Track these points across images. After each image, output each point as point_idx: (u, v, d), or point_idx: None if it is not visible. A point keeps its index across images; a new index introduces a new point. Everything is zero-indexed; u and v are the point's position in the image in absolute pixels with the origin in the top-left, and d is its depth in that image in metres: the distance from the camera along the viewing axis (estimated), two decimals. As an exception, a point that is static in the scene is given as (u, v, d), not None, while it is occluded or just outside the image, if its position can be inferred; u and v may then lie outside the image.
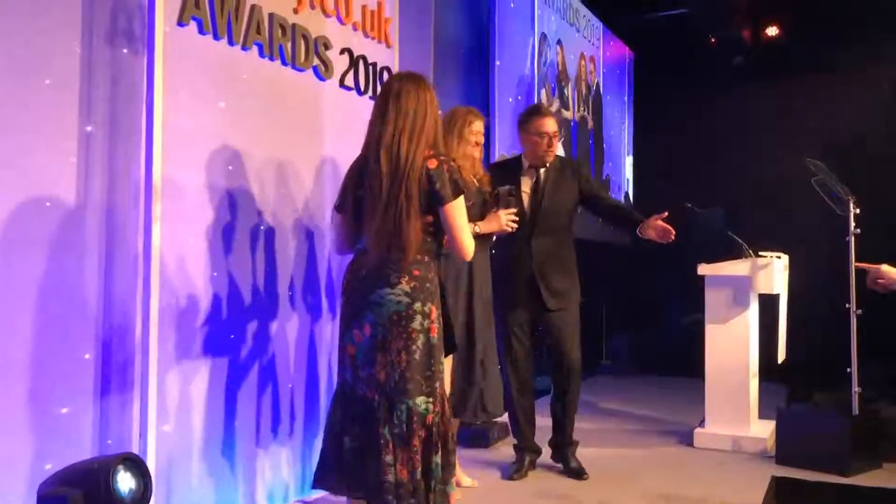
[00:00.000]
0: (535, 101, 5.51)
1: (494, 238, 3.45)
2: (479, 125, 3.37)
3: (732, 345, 4.19)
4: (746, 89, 7.09)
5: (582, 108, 6.57)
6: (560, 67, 6.15)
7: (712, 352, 4.24)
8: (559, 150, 5.96)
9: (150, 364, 2.53)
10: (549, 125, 3.66)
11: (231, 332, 2.89)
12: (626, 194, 7.71)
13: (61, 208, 2.46)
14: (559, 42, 6.15)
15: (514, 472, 3.61)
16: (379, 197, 2.40)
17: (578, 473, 3.62)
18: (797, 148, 5.88)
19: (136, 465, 2.13)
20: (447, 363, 3.10)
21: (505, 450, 3.99)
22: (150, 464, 2.50)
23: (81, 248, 2.52)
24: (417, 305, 2.39)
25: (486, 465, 3.81)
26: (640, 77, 7.80)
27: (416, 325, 2.39)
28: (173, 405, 2.69)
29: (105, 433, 2.59)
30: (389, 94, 2.46)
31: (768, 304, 4.38)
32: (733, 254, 4.27)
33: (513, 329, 3.66)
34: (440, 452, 2.38)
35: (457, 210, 2.42)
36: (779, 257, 4.18)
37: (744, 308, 4.17)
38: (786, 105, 6.81)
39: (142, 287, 2.56)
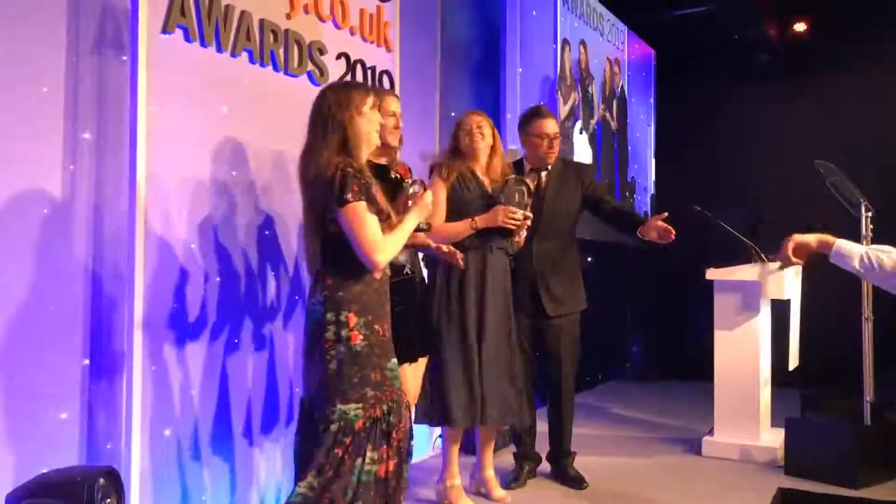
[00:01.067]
0: (559, 106, 5.48)
1: (515, 239, 3.29)
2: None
3: (742, 351, 4.09)
4: (771, 88, 6.92)
5: (605, 111, 6.51)
6: (583, 67, 6.09)
7: (721, 358, 4.15)
8: (585, 152, 5.94)
9: (135, 368, 2.55)
10: (550, 126, 3.60)
11: (224, 333, 2.91)
12: (653, 196, 7.61)
13: (50, 214, 2.50)
14: (582, 43, 6.09)
15: (511, 480, 3.57)
16: (303, 207, 2.46)
17: (577, 482, 3.57)
18: (823, 148, 5.74)
19: (114, 478, 2.14)
20: (420, 366, 3.09)
21: (508, 458, 3.94)
22: (136, 468, 2.53)
23: (71, 253, 2.55)
24: (330, 315, 2.36)
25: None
26: (662, 76, 7.67)
27: (329, 334, 2.35)
28: (164, 408, 2.70)
29: (93, 438, 2.62)
30: (312, 107, 2.47)
31: (783, 309, 4.27)
32: (744, 258, 4.17)
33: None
34: (391, 458, 2.35)
35: (349, 215, 2.31)
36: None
37: (754, 314, 4.07)
38: (811, 104, 6.63)
39: (128, 291, 2.57)
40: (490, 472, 3.38)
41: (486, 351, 3.15)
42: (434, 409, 3.14)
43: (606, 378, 6.66)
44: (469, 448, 3.65)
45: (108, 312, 2.66)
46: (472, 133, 3.25)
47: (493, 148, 3.31)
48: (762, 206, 6.42)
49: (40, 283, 2.48)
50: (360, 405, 2.34)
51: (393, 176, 3.01)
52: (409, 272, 2.97)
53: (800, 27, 7.08)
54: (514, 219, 3.15)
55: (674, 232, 3.35)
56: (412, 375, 3.02)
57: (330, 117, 2.39)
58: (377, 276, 2.46)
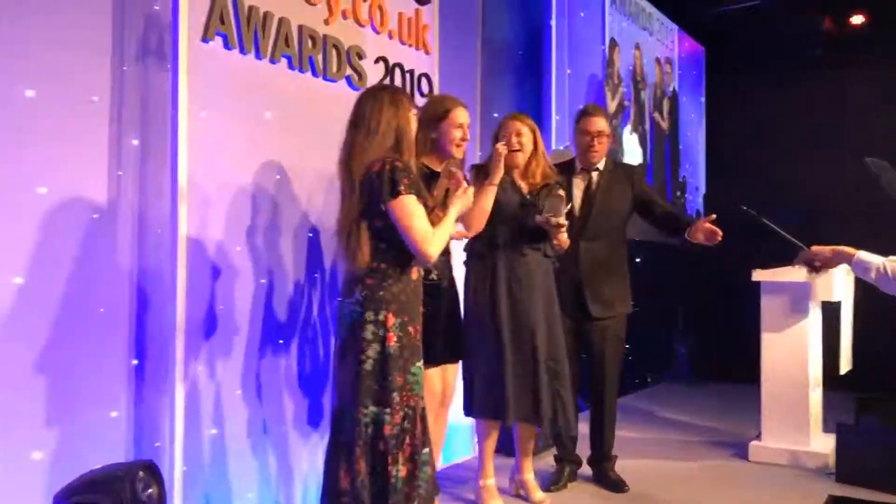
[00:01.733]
0: (606, 102, 5.45)
1: (554, 242, 3.21)
2: (514, 126, 3.24)
3: (790, 354, 3.98)
4: (826, 82, 6.72)
5: (657, 113, 6.43)
6: (637, 72, 6.03)
7: (769, 361, 4.05)
8: (635, 152, 5.87)
9: (177, 369, 2.61)
10: (593, 124, 3.56)
11: (267, 334, 2.96)
12: (705, 195, 7.49)
13: (99, 218, 2.58)
14: (637, 47, 6.04)
15: (552, 483, 3.55)
16: (341, 208, 2.48)
17: (617, 486, 3.53)
18: (882, 144, 5.57)
19: (153, 471, 2.20)
20: (453, 368, 3.10)
21: (550, 460, 3.91)
22: (179, 466, 2.60)
23: (117, 256, 2.63)
24: (369, 314, 2.38)
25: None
26: (713, 73, 7.53)
27: (367, 334, 2.37)
28: (210, 407, 2.77)
29: (140, 436, 2.70)
30: (357, 106, 2.52)
31: (836, 311, 4.15)
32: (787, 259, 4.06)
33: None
34: (404, 464, 2.35)
35: (400, 208, 2.35)
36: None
37: (802, 316, 3.97)
38: (867, 99, 6.42)
39: (170, 294, 2.64)
40: (529, 475, 3.36)
41: (521, 352, 3.14)
42: (486, 403, 3.14)
43: (656, 381, 6.57)
44: (509, 450, 3.63)
45: (156, 314, 2.72)
46: (510, 139, 3.22)
47: (533, 152, 3.27)
48: (819, 204, 6.24)
49: (90, 285, 2.56)
50: (389, 409, 2.35)
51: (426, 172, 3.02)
52: (437, 277, 2.98)
53: (857, 19, 6.87)
54: (544, 224, 3.09)
55: (720, 234, 3.29)
56: (437, 379, 3.02)
57: (384, 120, 2.42)
58: (414, 276, 2.48)
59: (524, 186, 3.27)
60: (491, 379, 3.11)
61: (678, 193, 7.01)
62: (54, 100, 2.47)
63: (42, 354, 2.43)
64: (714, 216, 3.34)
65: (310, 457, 3.14)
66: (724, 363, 6.39)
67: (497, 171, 2.99)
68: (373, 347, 2.38)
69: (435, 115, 2.99)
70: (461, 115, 3.00)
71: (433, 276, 2.97)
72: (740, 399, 5.34)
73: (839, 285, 3.91)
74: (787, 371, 3.99)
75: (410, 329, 2.43)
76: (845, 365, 4.02)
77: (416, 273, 2.51)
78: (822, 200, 6.26)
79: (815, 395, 4.05)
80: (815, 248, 2.36)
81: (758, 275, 4.04)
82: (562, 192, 3.22)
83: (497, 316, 3.14)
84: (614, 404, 3.66)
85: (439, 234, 2.44)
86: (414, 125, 2.53)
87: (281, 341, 3.04)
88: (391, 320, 2.38)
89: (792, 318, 3.99)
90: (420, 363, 2.47)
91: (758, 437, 4.11)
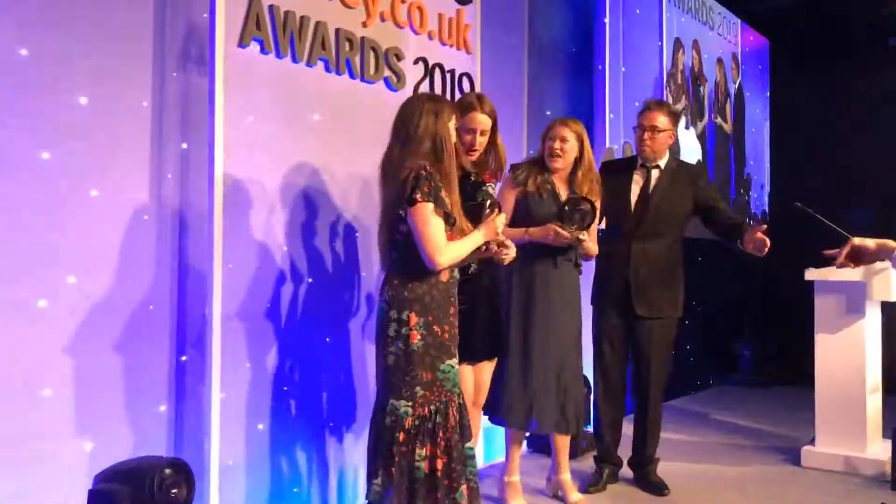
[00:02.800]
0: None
1: (580, 252, 3.21)
2: (559, 132, 3.19)
3: (845, 357, 3.84)
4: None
5: (718, 113, 6.28)
6: (695, 69, 5.91)
7: (823, 364, 3.91)
8: (693, 150, 5.75)
9: (214, 365, 2.70)
10: (647, 118, 3.51)
11: (309, 331, 3.04)
12: (770, 193, 7.27)
13: (150, 219, 2.72)
14: (694, 43, 5.92)
15: (591, 484, 3.52)
16: (381, 208, 2.58)
17: (659, 489, 3.47)
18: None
19: (184, 469, 2.28)
20: (487, 367, 3.10)
21: (592, 461, 3.87)
22: (215, 460, 2.69)
23: (167, 255, 2.76)
24: (393, 313, 2.49)
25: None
26: (778, 67, 7.29)
27: (390, 331, 2.49)
28: (253, 402, 2.86)
29: (182, 431, 2.81)
30: (399, 114, 2.58)
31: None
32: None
33: (605, 334, 3.55)
34: (433, 458, 2.42)
35: (417, 215, 2.42)
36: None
37: (858, 316, 3.82)
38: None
39: (209, 292, 2.74)
40: (566, 476, 3.34)
41: (546, 358, 3.14)
42: (492, 404, 3.16)
43: (718, 383, 6.41)
44: (548, 449, 3.61)
45: (198, 312, 2.82)
46: (552, 146, 3.19)
47: (578, 159, 3.21)
48: (887, 201, 5.97)
49: (140, 284, 2.69)
50: (410, 403, 2.44)
51: (472, 179, 3.04)
52: (475, 270, 2.99)
53: (934, 7, 6.53)
54: (561, 236, 3.05)
55: (768, 244, 3.18)
56: (475, 376, 3.04)
57: (423, 127, 2.49)
58: (444, 278, 2.52)
59: (564, 193, 3.23)
60: (515, 384, 3.15)
61: (742, 191, 6.82)
62: (105, 106, 2.60)
63: (96, 351, 2.56)
64: (765, 226, 3.23)
65: (352, 451, 3.21)
66: (787, 365, 6.19)
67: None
68: (396, 344, 2.49)
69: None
70: (474, 120, 2.98)
71: (472, 269, 2.98)
72: (800, 402, 5.16)
73: (898, 285, 3.75)
74: (842, 374, 3.84)
75: (436, 328, 2.50)
76: (905, 368, 3.85)
77: (445, 275, 2.55)
78: (894, 200, 5.99)
79: (873, 399, 3.89)
80: (857, 240, 2.21)
81: (811, 274, 3.90)
82: (586, 206, 3.10)
83: (528, 325, 3.17)
84: (659, 406, 3.60)
85: (454, 248, 2.50)
86: (453, 133, 2.57)
87: (328, 339, 3.12)
88: (413, 319, 2.47)
89: (847, 319, 3.84)
90: (451, 361, 2.52)
91: (811, 442, 3.98)
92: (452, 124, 2.57)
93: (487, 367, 3.09)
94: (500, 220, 2.66)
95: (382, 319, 2.53)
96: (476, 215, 2.69)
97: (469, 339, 2.86)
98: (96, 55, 2.58)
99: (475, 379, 3.03)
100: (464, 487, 2.44)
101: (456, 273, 2.62)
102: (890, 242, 2.08)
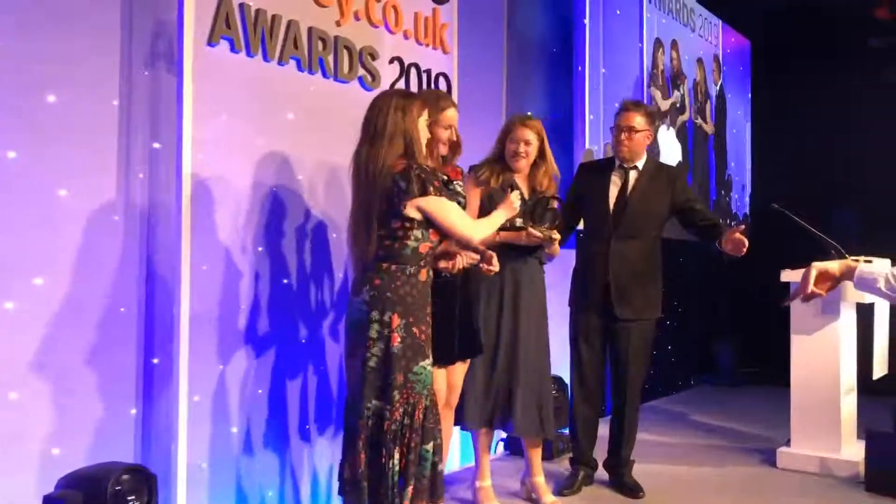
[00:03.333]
0: (657, 104, 5.37)
1: (547, 251, 3.22)
2: (521, 134, 3.19)
3: (820, 358, 3.84)
4: (881, 75, 6.43)
5: (698, 113, 6.29)
6: (675, 68, 5.92)
7: (799, 365, 3.92)
8: (672, 149, 5.75)
9: (182, 369, 2.67)
10: (623, 118, 3.50)
11: (277, 333, 3.00)
12: (751, 194, 7.30)
13: (117, 221, 2.67)
14: (673, 42, 5.92)
15: (565, 486, 3.50)
16: (353, 207, 2.55)
17: (633, 491, 3.46)
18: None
19: (143, 475, 2.25)
20: (460, 368, 3.07)
21: (568, 463, 3.86)
22: (182, 465, 2.65)
23: (136, 257, 2.72)
24: (374, 314, 2.45)
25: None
26: (759, 68, 7.31)
27: (372, 332, 2.45)
28: (220, 406, 2.82)
29: (149, 435, 2.77)
30: (367, 112, 2.57)
31: (870, 313, 4.00)
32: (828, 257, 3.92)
33: (581, 335, 3.53)
34: (402, 458, 2.41)
35: (433, 205, 2.47)
36: (869, 261, 3.78)
37: (833, 318, 3.82)
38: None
39: (177, 294, 2.70)
40: (540, 478, 3.32)
41: (517, 358, 3.13)
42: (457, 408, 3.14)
43: (698, 383, 6.42)
44: (521, 451, 3.57)
45: (167, 314, 2.79)
46: (516, 149, 3.18)
47: (538, 158, 3.23)
48: (875, 206, 5.99)
49: (110, 286, 2.65)
50: (390, 406, 2.42)
51: (441, 177, 3.01)
52: (449, 274, 2.97)
53: (915, 9, 6.56)
54: (534, 238, 3.06)
55: (746, 245, 3.19)
56: (448, 377, 3.01)
57: (392, 125, 2.48)
58: (422, 277, 2.51)
59: (527, 192, 3.23)
60: (485, 386, 3.14)
61: (723, 192, 6.83)
62: (73, 105, 2.56)
63: (64, 354, 2.52)
64: (743, 227, 3.23)
65: (321, 454, 3.18)
66: (767, 366, 6.20)
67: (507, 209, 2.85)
68: (378, 346, 2.45)
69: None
70: (451, 116, 2.98)
71: (445, 274, 2.96)
72: (779, 403, 5.17)
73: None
74: (818, 375, 3.85)
75: (415, 330, 2.48)
76: (880, 369, 3.87)
77: (424, 275, 2.54)
78: (878, 202, 6.00)
79: (848, 401, 3.89)
80: (817, 264, 2.04)
81: (787, 275, 3.91)
82: (554, 205, 3.17)
83: (498, 325, 3.15)
84: (636, 409, 3.59)
85: (482, 224, 2.67)
86: (424, 129, 2.57)
87: (303, 340, 3.09)
88: (396, 321, 2.44)
89: (822, 320, 3.84)
90: (425, 362, 2.49)
91: (787, 443, 3.98)
92: (423, 120, 2.56)
93: (461, 369, 3.07)
94: (515, 196, 2.81)
95: (361, 320, 2.48)
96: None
97: (443, 339, 2.84)
98: (64, 53, 2.54)
99: (448, 380, 3.01)
100: (410, 488, 2.44)
101: (431, 273, 2.61)
102: (851, 262, 2.02)
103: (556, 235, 3.10)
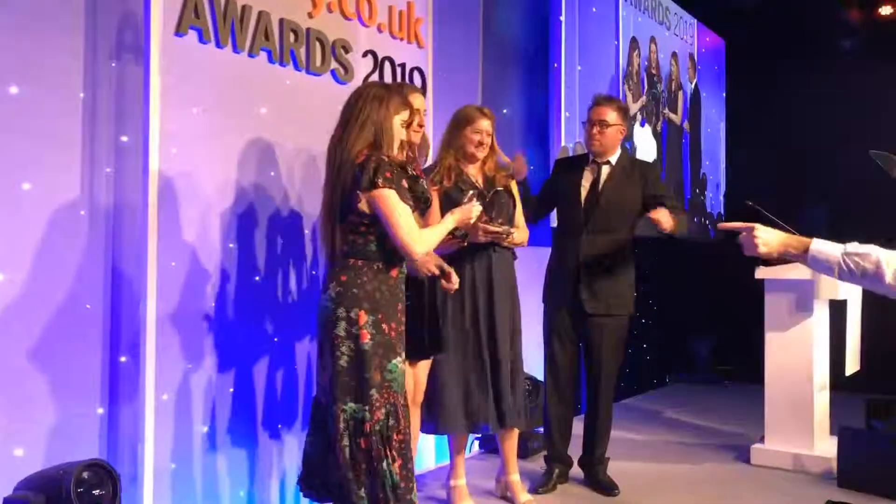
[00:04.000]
0: (628, 102, 5.37)
1: (506, 243, 3.15)
2: (483, 124, 3.15)
3: (794, 355, 3.86)
4: (854, 75, 6.48)
5: (669, 111, 6.30)
6: (652, 66, 5.92)
7: (772, 362, 3.93)
8: (648, 146, 5.75)
9: (148, 367, 2.60)
10: (596, 112, 3.49)
11: (244, 331, 2.95)
12: (725, 193, 7.33)
13: (83, 215, 2.61)
14: (652, 40, 5.92)
15: (540, 485, 3.47)
16: (322, 200, 2.49)
17: (608, 488, 3.44)
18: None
19: (104, 470, 2.19)
20: (424, 365, 3.04)
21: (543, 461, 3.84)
22: (150, 463, 2.59)
23: (102, 253, 2.65)
24: (341, 311, 2.39)
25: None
26: (734, 67, 7.34)
27: (339, 330, 2.38)
28: (186, 405, 2.76)
29: (115, 436, 2.71)
30: (349, 98, 2.52)
31: (843, 310, 4.01)
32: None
33: (554, 331, 3.51)
34: (391, 460, 2.35)
35: (381, 200, 2.34)
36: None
37: (807, 315, 3.84)
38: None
39: (142, 291, 2.64)
40: (515, 476, 3.29)
41: (496, 352, 3.09)
42: (429, 415, 3.08)
43: (674, 381, 6.44)
44: (497, 449, 3.53)
45: (134, 312, 2.72)
46: (479, 139, 3.13)
47: (491, 147, 3.19)
48: (848, 204, 6.03)
49: (75, 282, 2.58)
50: (367, 406, 2.36)
51: (410, 174, 2.97)
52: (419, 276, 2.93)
53: (886, 10, 6.63)
54: (493, 233, 3.01)
55: (666, 224, 3.26)
56: (414, 374, 2.97)
57: (366, 113, 2.43)
58: (393, 274, 2.46)
59: (480, 181, 3.18)
60: (464, 388, 3.08)
61: (697, 191, 6.86)
62: (37, 97, 2.49)
63: (28, 352, 2.45)
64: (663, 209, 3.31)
65: (292, 453, 3.12)
66: (742, 363, 6.23)
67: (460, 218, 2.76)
68: (346, 344, 2.38)
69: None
70: (416, 101, 2.95)
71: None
72: (754, 400, 5.19)
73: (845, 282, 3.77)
74: (791, 372, 3.86)
75: (385, 326, 2.42)
76: (852, 366, 3.88)
77: (395, 271, 2.48)
78: (850, 200, 6.04)
79: (821, 397, 3.91)
80: (760, 228, 1.96)
81: (761, 272, 3.91)
82: (505, 197, 3.14)
83: (473, 320, 3.10)
84: (610, 405, 3.57)
85: (428, 234, 2.47)
86: (398, 126, 2.50)
87: (274, 339, 3.04)
88: (363, 318, 2.38)
89: (796, 317, 3.86)
90: (397, 360, 2.44)
91: (761, 439, 3.99)
92: (400, 118, 2.50)
93: (425, 365, 3.03)
94: (476, 209, 2.68)
95: (327, 317, 2.41)
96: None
97: (418, 336, 2.81)
98: (26, 42, 2.46)
99: (415, 377, 2.97)
100: (412, 484, 2.39)
101: (405, 269, 2.56)
102: (804, 239, 1.94)
103: (512, 229, 3.06)
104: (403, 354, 2.49)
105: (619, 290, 3.50)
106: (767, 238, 1.95)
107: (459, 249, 3.03)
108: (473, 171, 3.19)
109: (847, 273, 1.85)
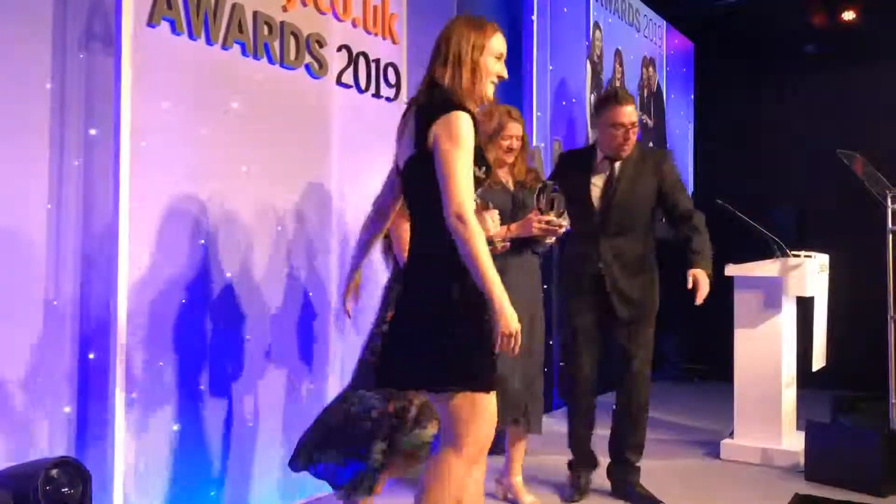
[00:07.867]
0: (585, 94, 5.37)
1: (547, 241, 3.10)
2: (513, 128, 3.12)
3: (763, 351, 3.91)
4: (819, 79, 6.60)
5: (644, 114, 6.35)
6: (618, 71, 5.96)
7: (741, 358, 3.98)
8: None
9: (118, 363, 2.56)
10: (626, 115, 3.22)
11: (228, 331, 2.92)
12: (693, 194, 7.41)
13: (50, 209, 2.55)
14: (617, 54, 5.96)
15: (568, 497, 3.34)
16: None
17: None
18: (875, 140, 5.48)
19: (74, 468, 2.14)
20: None
21: (544, 458, 3.81)
22: (120, 461, 2.55)
23: (69, 249, 2.59)
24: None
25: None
26: (703, 70, 7.43)
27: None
28: (159, 403, 2.72)
29: (83, 435, 2.65)
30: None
31: (810, 307, 4.08)
32: (766, 253, 3.99)
33: (577, 335, 3.35)
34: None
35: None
36: (809, 256, 3.87)
37: (775, 312, 3.89)
38: (861, 95, 6.28)
39: (112, 288, 2.59)
40: (519, 478, 3.22)
41: (530, 352, 3.05)
42: None
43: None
44: (498, 449, 3.29)
45: (103, 309, 2.67)
46: (511, 144, 3.10)
47: (521, 148, 3.16)
48: (812, 204, 6.14)
49: (43, 277, 2.53)
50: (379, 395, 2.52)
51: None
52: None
53: (848, 15, 6.75)
54: (548, 227, 2.92)
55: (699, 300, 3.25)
56: None
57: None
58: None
59: (510, 182, 3.17)
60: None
61: (666, 191, 6.92)
62: (2, 87, 2.43)
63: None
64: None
65: (265, 452, 3.09)
66: (712, 361, 6.31)
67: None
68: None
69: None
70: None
71: None
72: (724, 396, 5.24)
73: (813, 280, 3.84)
74: (760, 368, 3.92)
75: None
76: (818, 361, 3.95)
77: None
78: (814, 201, 6.15)
79: (789, 393, 3.97)
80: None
81: (730, 269, 3.96)
82: (555, 191, 2.98)
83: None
84: (646, 410, 3.40)
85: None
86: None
87: (247, 336, 3.00)
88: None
89: (765, 314, 3.91)
90: None
91: (731, 435, 4.04)
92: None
93: None
94: (495, 217, 2.55)
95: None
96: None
97: None
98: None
99: None
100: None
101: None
102: None
103: (564, 223, 2.96)
104: None
105: (646, 289, 3.35)
106: None
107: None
108: (503, 173, 3.16)
109: None
